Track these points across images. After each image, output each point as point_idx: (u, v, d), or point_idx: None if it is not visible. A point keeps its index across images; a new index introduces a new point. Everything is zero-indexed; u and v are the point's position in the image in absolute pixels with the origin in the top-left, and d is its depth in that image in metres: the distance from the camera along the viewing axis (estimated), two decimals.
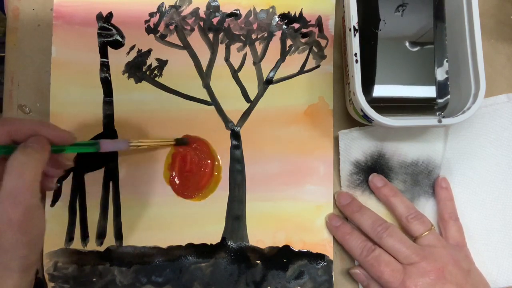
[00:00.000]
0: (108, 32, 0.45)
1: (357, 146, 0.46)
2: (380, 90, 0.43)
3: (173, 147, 0.45)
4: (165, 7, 0.46)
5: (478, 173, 0.46)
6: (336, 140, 0.46)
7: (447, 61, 0.44)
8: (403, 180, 0.46)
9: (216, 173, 0.45)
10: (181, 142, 0.44)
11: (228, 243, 0.44)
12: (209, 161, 0.45)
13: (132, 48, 0.45)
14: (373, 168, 0.46)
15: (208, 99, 0.46)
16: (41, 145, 0.33)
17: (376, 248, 0.41)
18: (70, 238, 0.43)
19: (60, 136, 0.35)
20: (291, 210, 0.45)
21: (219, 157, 0.45)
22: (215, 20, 0.46)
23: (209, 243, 0.44)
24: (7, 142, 0.33)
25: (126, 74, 0.45)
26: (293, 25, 0.47)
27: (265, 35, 0.46)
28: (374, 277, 0.41)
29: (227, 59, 0.46)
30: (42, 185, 0.33)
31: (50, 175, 0.38)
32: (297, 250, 0.45)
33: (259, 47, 0.46)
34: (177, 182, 0.45)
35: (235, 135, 0.45)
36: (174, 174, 0.45)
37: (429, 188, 0.46)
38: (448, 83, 0.44)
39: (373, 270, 0.41)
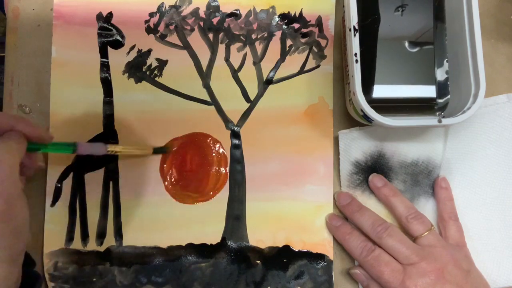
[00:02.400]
0: (108, 32, 0.45)
1: (357, 146, 0.46)
2: (380, 90, 0.43)
3: (173, 143, 0.45)
4: (165, 7, 0.46)
5: (478, 173, 0.46)
6: (336, 140, 0.46)
7: (447, 61, 0.44)
8: (403, 180, 0.46)
9: (220, 169, 0.45)
10: (159, 151, 0.44)
11: (228, 243, 0.44)
12: (213, 156, 0.45)
13: (132, 48, 0.45)
14: (373, 168, 0.46)
15: (208, 99, 0.46)
16: (18, 138, 0.33)
17: (376, 248, 0.41)
18: (70, 238, 0.43)
19: (37, 133, 0.35)
20: (291, 210, 0.45)
21: (223, 151, 0.45)
22: (215, 20, 0.46)
23: (209, 243, 0.44)
24: None
25: (126, 74, 0.45)
26: (293, 25, 0.47)
27: (265, 35, 0.46)
28: (374, 277, 0.41)
29: (227, 59, 0.46)
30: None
31: (21, 173, 0.37)
32: (297, 250, 0.45)
33: (259, 47, 0.46)
34: (175, 183, 0.45)
35: (235, 135, 0.45)
36: (172, 174, 0.45)
37: (429, 188, 0.46)
38: (448, 83, 0.44)
39: (373, 270, 0.41)
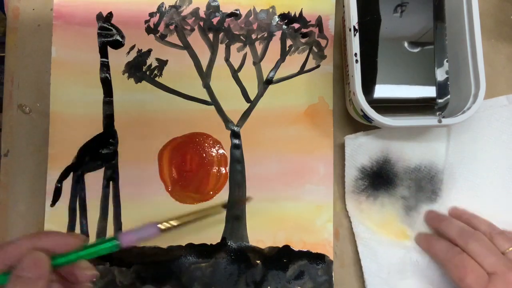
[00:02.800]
0: (108, 32, 0.45)
1: (363, 152, 0.45)
2: (380, 90, 0.42)
3: (170, 142, 0.45)
4: (165, 7, 0.46)
5: (480, 177, 0.46)
6: (338, 143, 0.46)
7: (447, 61, 0.44)
8: (407, 186, 0.45)
9: (220, 169, 0.45)
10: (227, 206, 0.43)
11: (228, 243, 0.44)
12: (213, 156, 0.45)
13: (132, 48, 0.45)
14: (378, 173, 0.45)
15: (208, 99, 0.46)
16: (34, 269, 0.28)
17: (464, 253, 0.39)
18: None
19: (64, 244, 0.30)
20: (291, 210, 0.45)
21: (224, 152, 0.45)
22: (215, 20, 0.46)
23: (209, 243, 0.44)
24: (3, 268, 0.28)
25: (126, 74, 0.45)
26: (293, 25, 0.47)
27: (265, 35, 0.46)
28: (455, 279, 0.39)
29: (227, 59, 0.46)
30: None
31: None
32: (297, 250, 0.45)
33: (259, 47, 0.46)
34: (175, 183, 0.45)
35: (235, 135, 0.45)
36: (172, 175, 0.45)
37: (432, 194, 0.45)
38: (448, 83, 0.44)
39: (455, 271, 0.39)
